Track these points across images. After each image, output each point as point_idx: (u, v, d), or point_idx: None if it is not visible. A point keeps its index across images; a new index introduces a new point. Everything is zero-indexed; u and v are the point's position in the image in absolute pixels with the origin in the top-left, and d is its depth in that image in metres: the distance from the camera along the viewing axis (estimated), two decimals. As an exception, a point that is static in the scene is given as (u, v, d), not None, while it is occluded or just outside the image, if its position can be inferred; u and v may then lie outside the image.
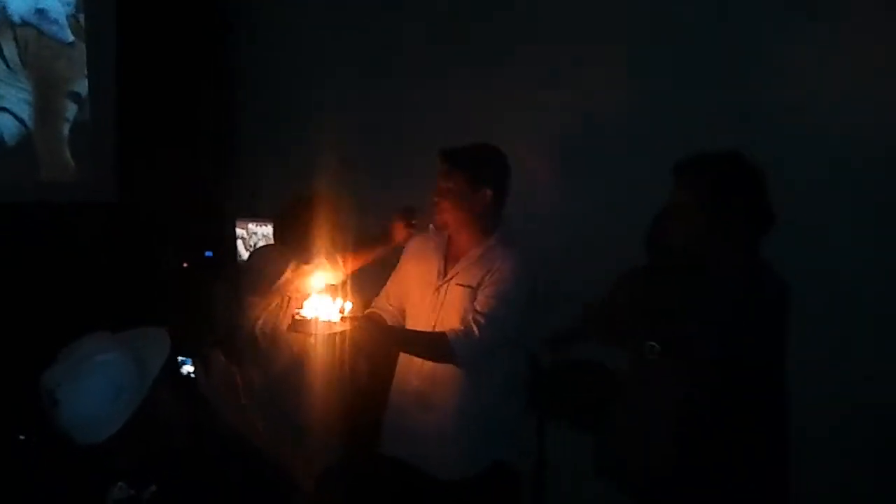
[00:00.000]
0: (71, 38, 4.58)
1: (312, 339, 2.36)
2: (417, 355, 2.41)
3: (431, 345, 2.34)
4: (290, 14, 4.49)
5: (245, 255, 4.31)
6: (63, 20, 4.54)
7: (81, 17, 4.59)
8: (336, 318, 2.27)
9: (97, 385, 1.57)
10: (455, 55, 3.64)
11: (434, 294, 2.43)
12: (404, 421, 2.47)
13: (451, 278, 2.41)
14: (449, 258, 2.46)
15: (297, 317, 2.30)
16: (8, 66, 4.38)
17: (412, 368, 2.44)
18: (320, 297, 2.31)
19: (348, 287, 2.46)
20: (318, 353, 2.42)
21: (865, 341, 2.52)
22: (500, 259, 2.37)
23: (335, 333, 2.30)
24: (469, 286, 2.37)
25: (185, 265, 4.59)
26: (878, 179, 2.49)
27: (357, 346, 2.39)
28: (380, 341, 2.42)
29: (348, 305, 2.30)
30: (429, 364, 2.39)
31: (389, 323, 2.52)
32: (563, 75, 3.22)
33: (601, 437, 2.35)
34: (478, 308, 2.31)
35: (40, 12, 4.47)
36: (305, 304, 2.32)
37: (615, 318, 2.33)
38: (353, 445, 2.73)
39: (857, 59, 2.52)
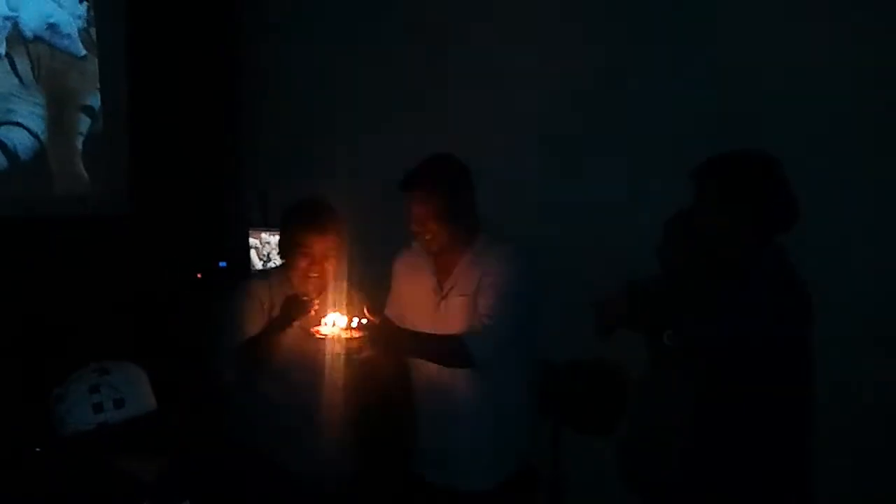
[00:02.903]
0: (83, 51, 4.61)
1: (330, 351, 2.37)
2: (432, 358, 2.39)
3: (446, 346, 2.31)
4: (303, 25, 4.50)
5: (259, 264, 4.33)
6: (75, 34, 4.58)
7: (93, 30, 4.63)
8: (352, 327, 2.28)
9: (139, 370, 1.79)
10: (457, 56, 3.65)
11: (434, 310, 2.40)
12: (430, 438, 2.45)
13: (447, 292, 2.39)
14: (440, 272, 2.42)
15: (317, 335, 2.31)
16: (21, 80, 4.41)
17: (429, 385, 2.42)
18: (337, 315, 2.32)
19: (360, 300, 2.45)
20: (335, 366, 2.41)
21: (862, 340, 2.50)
22: (492, 258, 2.34)
23: (351, 340, 2.30)
24: (466, 294, 2.35)
25: (198, 276, 4.60)
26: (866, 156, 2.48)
27: (373, 349, 2.36)
28: (395, 342, 2.38)
29: (364, 322, 2.30)
30: (444, 377, 2.37)
31: None
32: (560, 73, 3.22)
33: (623, 441, 2.32)
34: (483, 311, 2.29)
35: (52, 27, 4.50)
36: (323, 321, 2.32)
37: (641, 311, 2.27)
38: (369, 460, 2.70)
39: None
